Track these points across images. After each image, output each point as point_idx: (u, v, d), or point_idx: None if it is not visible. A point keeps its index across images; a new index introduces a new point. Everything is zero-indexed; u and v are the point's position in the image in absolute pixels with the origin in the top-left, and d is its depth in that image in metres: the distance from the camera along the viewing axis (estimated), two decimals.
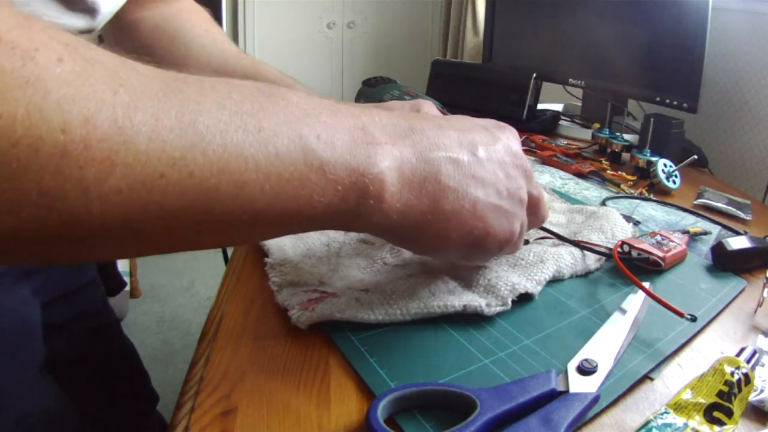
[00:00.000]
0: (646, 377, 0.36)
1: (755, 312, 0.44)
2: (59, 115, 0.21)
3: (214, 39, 0.62)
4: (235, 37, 2.67)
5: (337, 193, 0.29)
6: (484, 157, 0.35)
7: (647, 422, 0.31)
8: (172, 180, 0.24)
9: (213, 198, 0.26)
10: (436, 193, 0.32)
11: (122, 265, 1.80)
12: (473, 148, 0.34)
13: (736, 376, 0.33)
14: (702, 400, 0.32)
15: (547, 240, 0.51)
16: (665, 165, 0.77)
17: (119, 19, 0.58)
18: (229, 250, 0.56)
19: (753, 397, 0.33)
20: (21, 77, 0.20)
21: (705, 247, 0.56)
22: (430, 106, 0.57)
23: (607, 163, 0.87)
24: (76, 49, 0.23)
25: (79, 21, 0.46)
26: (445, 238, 0.34)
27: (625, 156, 0.89)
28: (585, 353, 0.36)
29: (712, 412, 0.31)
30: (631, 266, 0.48)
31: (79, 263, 0.38)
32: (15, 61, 0.20)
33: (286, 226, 0.30)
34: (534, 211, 0.39)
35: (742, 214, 0.67)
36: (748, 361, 0.35)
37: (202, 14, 0.65)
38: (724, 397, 0.32)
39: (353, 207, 0.30)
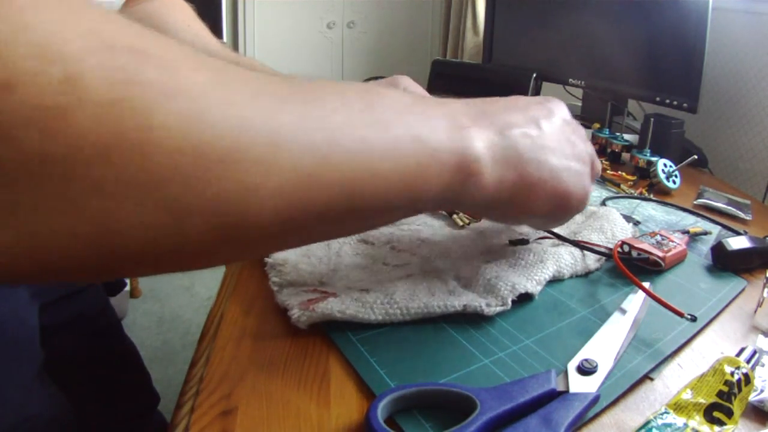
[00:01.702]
0: (646, 377, 0.36)
1: (755, 312, 0.44)
2: (220, 123, 0.22)
3: (196, 34, 0.62)
4: (235, 37, 2.67)
5: (449, 175, 0.32)
6: (547, 128, 0.38)
7: (647, 422, 0.31)
8: (324, 177, 0.26)
9: (357, 190, 0.27)
10: (520, 165, 0.35)
11: None
12: (537, 122, 0.38)
13: (736, 376, 0.33)
14: (702, 400, 0.32)
15: (547, 240, 0.51)
16: (665, 165, 0.77)
17: None
18: None
19: (753, 397, 0.33)
20: (167, 88, 0.21)
21: (705, 247, 0.56)
22: (407, 81, 0.63)
23: (607, 163, 0.87)
24: (203, 59, 0.23)
25: None
26: (534, 204, 0.37)
27: (625, 156, 0.89)
28: (585, 353, 0.36)
29: (712, 412, 0.31)
30: (631, 266, 0.48)
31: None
32: (161, 73, 0.21)
33: (411, 208, 0.33)
34: (592, 167, 0.43)
35: (742, 214, 0.67)
36: (748, 361, 0.35)
37: (186, 10, 0.65)
38: (724, 397, 0.32)
39: (461, 185, 0.32)
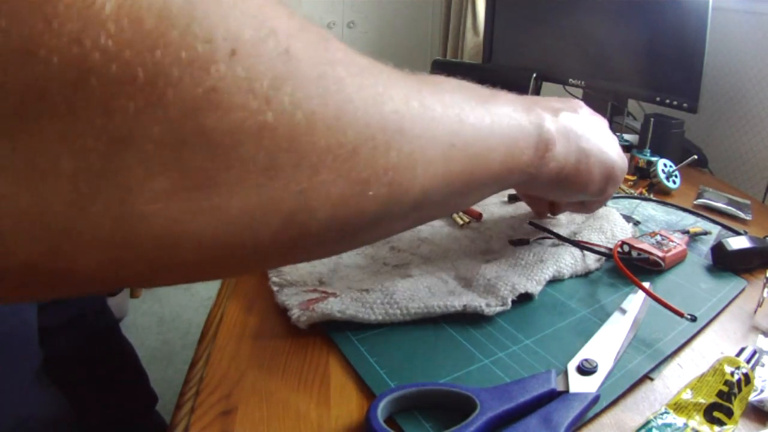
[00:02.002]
0: (646, 377, 0.36)
1: (755, 312, 0.44)
2: (388, 101, 0.23)
3: None
4: None
5: (532, 145, 0.35)
6: (582, 112, 0.43)
7: (647, 422, 0.31)
8: (458, 151, 0.28)
9: (479, 162, 0.30)
10: (578, 140, 0.40)
11: None
12: (576, 108, 0.42)
13: (736, 376, 0.33)
14: (702, 400, 0.32)
15: (547, 240, 0.51)
16: (665, 165, 0.77)
17: None
18: None
19: (753, 397, 0.33)
20: (353, 66, 0.22)
21: (705, 247, 0.56)
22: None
23: None
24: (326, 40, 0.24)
25: None
26: (592, 174, 0.41)
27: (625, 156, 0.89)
28: (585, 353, 0.36)
29: (712, 412, 0.31)
30: (631, 266, 0.48)
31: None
32: (345, 53, 0.22)
33: (506, 181, 0.35)
34: None
35: (742, 214, 0.67)
36: (748, 361, 0.35)
37: None
38: (724, 397, 0.32)
39: (541, 155, 0.36)
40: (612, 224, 0.54)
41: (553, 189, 0.41)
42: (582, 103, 0.45)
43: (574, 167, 0.40)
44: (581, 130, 0.41)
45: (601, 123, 0.45)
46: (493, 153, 0.31)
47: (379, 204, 0.24)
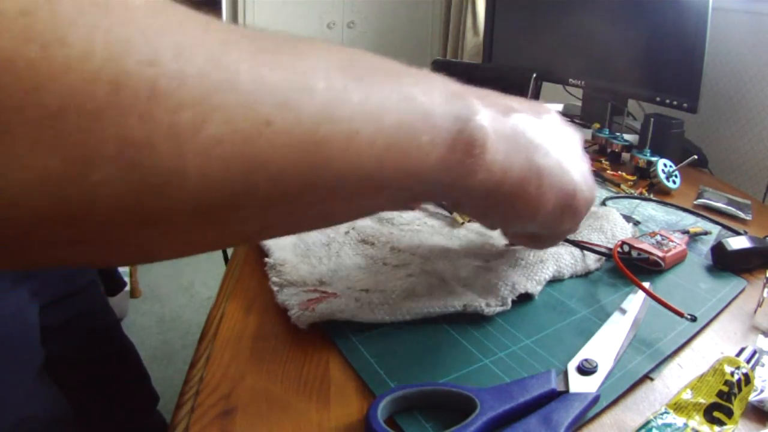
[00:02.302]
0: (646, 377, 0.36)
1: (755, 312, 0.44)
2: (147, 46, 0.17)
3: None
4: None
5: (445, 142, 0.26)
6: (550, 120, 0.34)
7: (647, 422, 0.31)
8: (278, 128, 0.20)
9: (323, 154, 0.22)
10: (529, 148, 0.31)
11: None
12: (540, 114, 0.34)
13: (736, 376, 0.33)
14: (702, 400, 0.32)
15: None
16: (665, 165, 0.77)
17: None
18: (229, 250, 0.56)
19: (753, 397, 0.33)
20: (97, 0, 0.16)
21: (705, 247, 0.56)
22: None
23: (607, 163, 0.87)
24: None
25: None
26: (541, 197, 0.32)
27: (625, 156, 0.89)
28: (585, 353, 0.36)
29: (712, 412, 0.31)
30: (631, 266, 0.48)
31: (151, 262, 0.31)
32: None
33: (395, 190, 0.27)
34: None
35: (742, 214, 0.67)
36: (748, 361, 0.35)
37: None
38: (724, 397, 0.32)
39: (461, 159, 0.27)
40: (612, 224, 0.54)
41: (485, 209, 0.33)
42: (552, 110, 0.36)
43: (518, 185, 0.30)
44: (539, 139, 0.32)
45: (570, 136, 0.36)
46: (363, 143, 0.23)
47: (118, 194, 0.17)
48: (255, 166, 0.20)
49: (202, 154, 0.18)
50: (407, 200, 0.30)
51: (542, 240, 0.41)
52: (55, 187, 0.16)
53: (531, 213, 0.32)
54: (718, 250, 0.51)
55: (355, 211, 0.29)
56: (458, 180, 0.28)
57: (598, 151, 0.92)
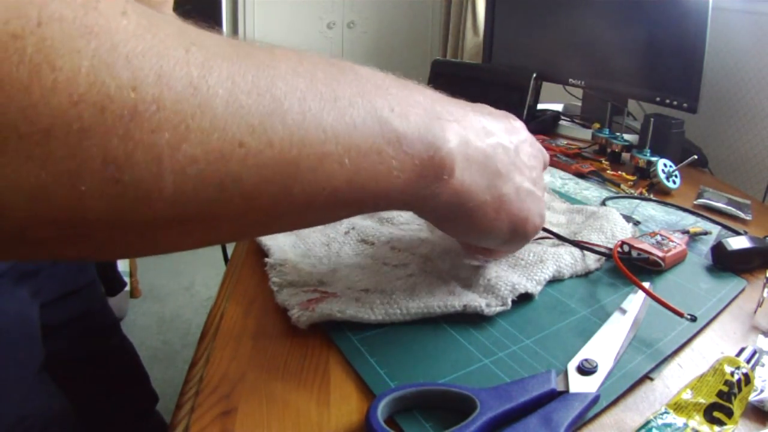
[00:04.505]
0: (646, 377, 0.36)
1: (755, 312, 0.44)
2: (129, 71, 0.18)
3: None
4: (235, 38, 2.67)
5: (415, 168, 0.28)
6: (519, 146, 0.36)
7: (647, 422, 0.31)
8: (252, 150, 0.22)
9: (292, 173, 0.23)
10: (493, 175, 0.33)
11: (122, 265, 1.80)
12: (512, 137, 0.36)
13: (736, 376, 0.33)
14: (702, 400, 0.32)
15: (547, 240, 0.51)
16: (665, 165, 0.77)
17: None
18: (229, 250, 0.56)
19: (753, 397, 0.33)
20: (84, 27, 0.18)
21: (705, 247, 0.56)
22: None
23: (607, 163, 0.87)
24: (137, 6, 0.20)
25: None
26: (497, 220, 0.35)
27: (625, 156, 0.89)
28: (585, 353, 0.36)
29: (712, 412, 0.31)
30: (631, 266, 0.48)
31: (138, 257, 0.34)
32: (76, 9, 0.18)
33: (362, 205, 0.29)
34: None
35: (742, 214, 0.67)
36: (748, 361, 0.35)
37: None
38: (724, 397, 0.32)
39: (429, 183, 0.29)
40: (612, 224, 0.54)
41: (444, 220, 0.35)
42: (522, 130, 0.38)
43: (479, 208, 0.33)
44: (505, 167, 0.34)
45: (534, 161, 0.38)
46: (330, 165, 0.24)
47: (102, 204, 0.19)
48: (228, 182, 0.22)
49: (178, 171, 0.20)
50: (373, 211, 0.32)
51: (492, 253, 0.44)
52: (45, 196, 0.18)
53: (486, 231, 0.35)
54: (718, 250, 0.51)
55: (326, 220, 0.30)
56: (422, 200, 0.30)
57: (598, 151, 0.92)
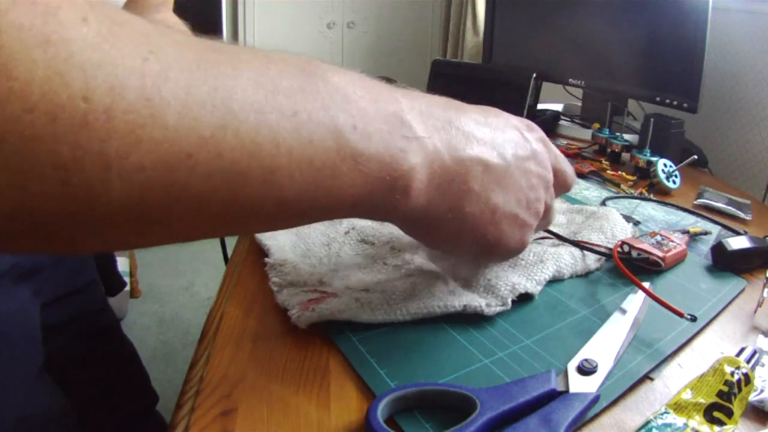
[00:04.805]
0: (646, 377, 0.36)
1: (755, 312, 0.44)
2: (82, 81, 0.19)
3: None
4: (235, 38, 2.67)
5: (367, 186, 0.28)
6: (512, 161, 0.34)
7: (647, 422, 0.31)
8: (200, 160, 0.22)
9: (241, 183, 0.24)
10: (460, 195, 0.32)
11: (122, 265, 1.80)
12: (503, 150, 0.34)
13: (736, 376, 0.33)
14: (702, 400, 0.32)
15: (547, 240, 0.51)
16: (665, 165, 0.77)
17: None
18: (229, 250, 0.56)
19: (753, 397, 0.33)
20: (41, 35, 0.18)
21: (705, 247, 0.56)
22: None
23: (607, 163, 0.87)
24: (103, 10, 0.21)
25: None
26: (459, 238, 0.34)
27: (625, 156, 0.89)
28: (585, 353, 0.36)
29: (712, 412, 0.31)
30: (631, 266, 0.48)
31: (93, 252, 0.35)
32: (35, 17, 0.18)
33: (311, 216, 0.29)
34: (544, 216, 0.40)
35: (742, 214, 0.67)
36: (748, 361, 0.35)
37: (181, 28, 0.64)
38: (724, 397, 0.32)
39: (380, 200, 0.29)
40: (612, 224, 0.54)
41: (405, 228, 0.35)
42: (536, 144, 0.36)
43: (436, 225, 0.32)
44: (483, 186, 0.32)
45: (532, 184, 0.35)
46: (282, 178, 0.25)
47: (52, 204, 0.20)
48: (175, 190, 0.22)
49: (125, 178, 0.21)
50: (332, 219, 0.32)
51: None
52: (1, 194, 0.19)
53: (450, 246, 0.35)
54: (718, 250, 0.51)
55: (279, 227, 0.31)
56: (375, 212, 0.30)
57: (598, 151, 0.93)
